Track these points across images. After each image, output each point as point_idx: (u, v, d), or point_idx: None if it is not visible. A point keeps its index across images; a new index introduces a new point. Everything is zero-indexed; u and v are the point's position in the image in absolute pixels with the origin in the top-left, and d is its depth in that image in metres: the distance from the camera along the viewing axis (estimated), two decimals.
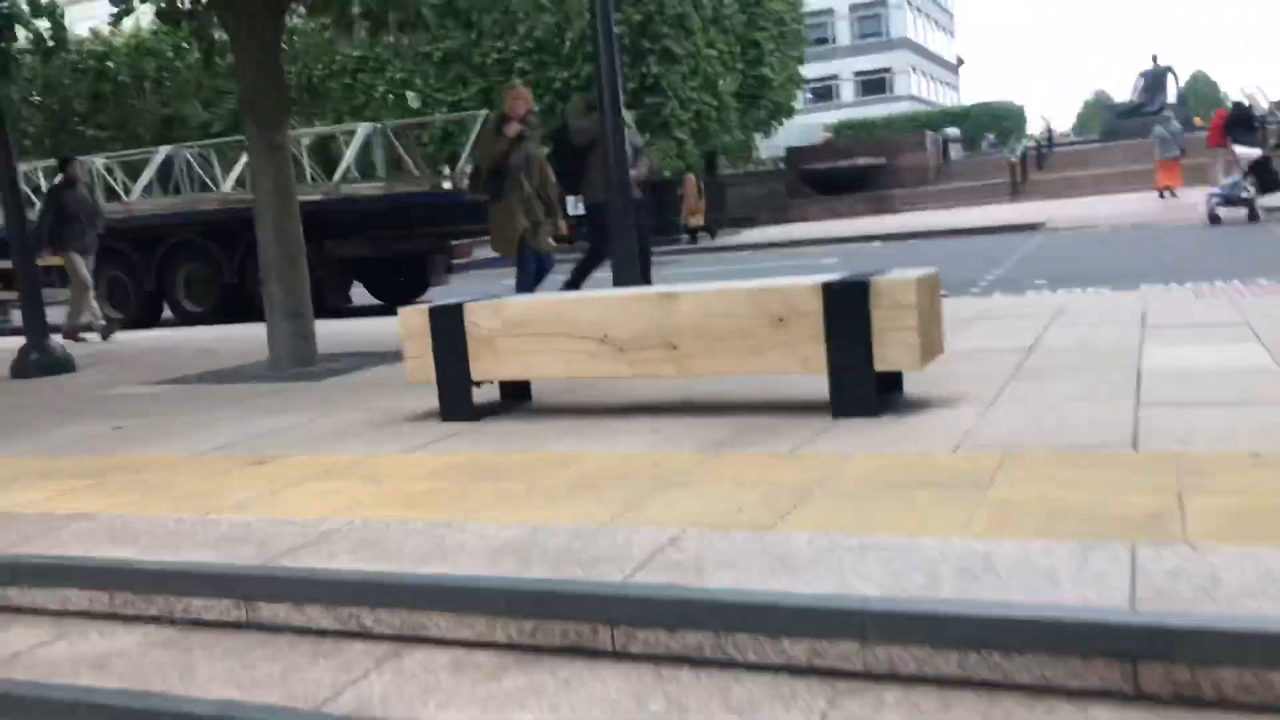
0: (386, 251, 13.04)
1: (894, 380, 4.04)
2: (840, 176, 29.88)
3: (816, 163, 30.90)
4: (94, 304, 10.92)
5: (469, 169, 17.06)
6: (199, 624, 2.68)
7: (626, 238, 6.46)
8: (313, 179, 14.74)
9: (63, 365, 7.87)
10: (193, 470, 3.93)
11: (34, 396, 6.70)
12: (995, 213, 23.07)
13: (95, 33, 26.86)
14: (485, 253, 13.19)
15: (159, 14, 7.38)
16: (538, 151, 8.26)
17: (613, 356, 4.18)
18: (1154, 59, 50.50)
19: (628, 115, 7.19)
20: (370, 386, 5.81)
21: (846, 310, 3.74)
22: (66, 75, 25.81)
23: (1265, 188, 14.86)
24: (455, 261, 12.47)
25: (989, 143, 41.14)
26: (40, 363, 7.78)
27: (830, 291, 3.78)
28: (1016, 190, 27.98)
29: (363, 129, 13.74)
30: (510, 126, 7.93)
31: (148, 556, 2.87)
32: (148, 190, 14.60)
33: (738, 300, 3.98)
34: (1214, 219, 15.18)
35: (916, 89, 60.73)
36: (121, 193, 15.10)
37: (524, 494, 3.14)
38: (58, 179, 11.19)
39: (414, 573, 2.54)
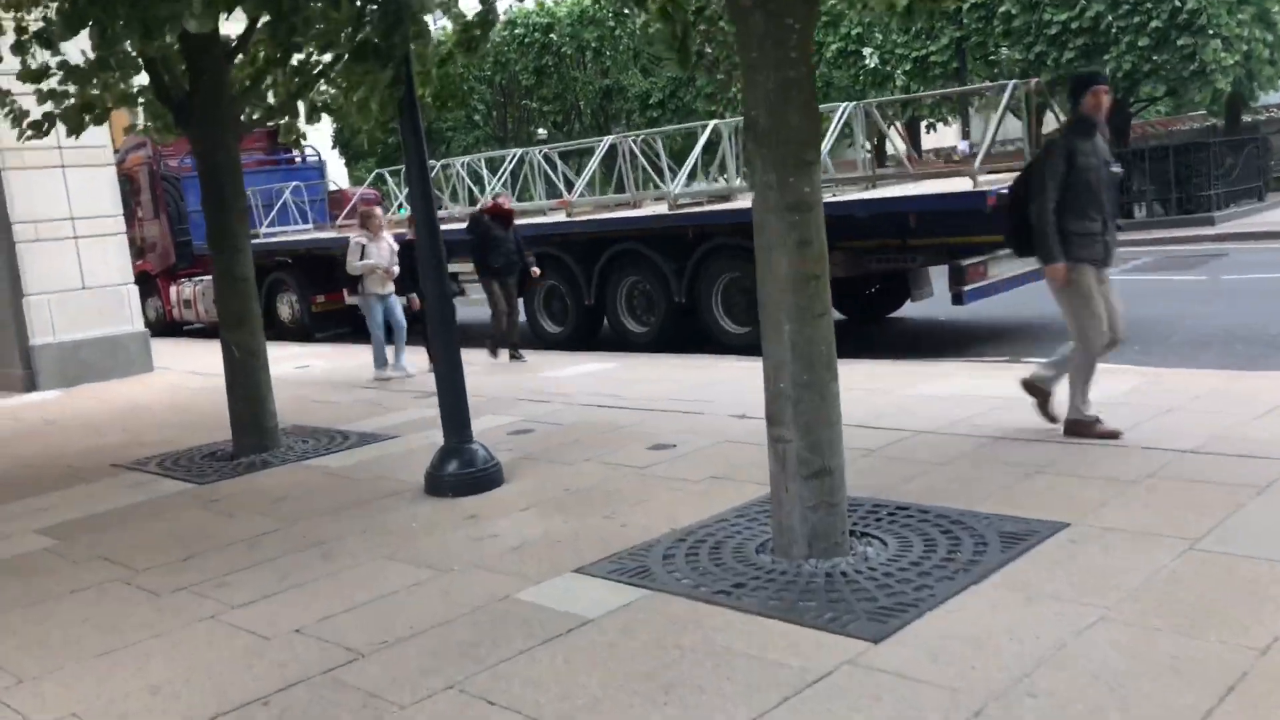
0: (862, 270, 10.14)
1: None
2: None
3: None
4: None
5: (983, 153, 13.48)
6: None
7: None
8: None
9: (487, 479, 5.75)
10: None
11: (428, 575, 4.58)
12: None
13: (540, 3, 26.43)
14: (1001, 271, 9.87)
15: None
16: None
17: None
18: None
19: None
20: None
21: None
22: (513, 50, 25.57)
23: None
24: (966, 288, 9.20)
25: None
26: (457, 480, 5.69)
27: None
28: None
29: (840, 109, 10.85)
30: None
31: None
32: (589, 188, 12.82)
33: None
34: None
35: None
36: (562, 188, 13.51)
37: None
38: None
39: None
